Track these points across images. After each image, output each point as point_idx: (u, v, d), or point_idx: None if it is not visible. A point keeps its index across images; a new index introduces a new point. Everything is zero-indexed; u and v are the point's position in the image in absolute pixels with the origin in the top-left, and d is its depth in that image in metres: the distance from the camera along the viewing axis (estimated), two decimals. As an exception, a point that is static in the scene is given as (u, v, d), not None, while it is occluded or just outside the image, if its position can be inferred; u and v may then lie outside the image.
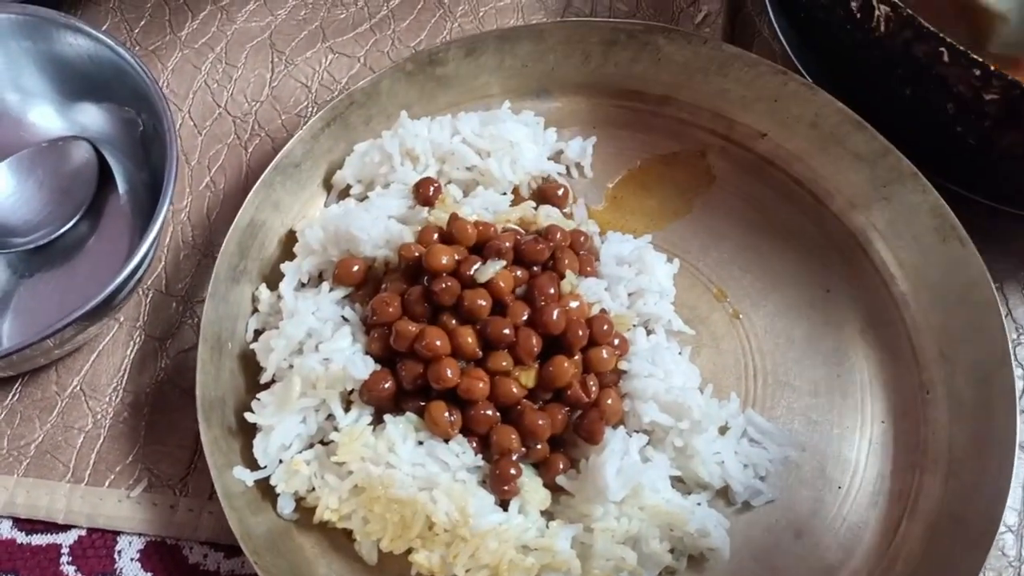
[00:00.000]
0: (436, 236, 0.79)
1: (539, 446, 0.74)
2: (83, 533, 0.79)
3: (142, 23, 1.00)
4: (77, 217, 0.86)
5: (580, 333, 0.75)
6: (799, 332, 0.84)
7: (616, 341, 0.78)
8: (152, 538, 0.78)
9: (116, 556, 0.78)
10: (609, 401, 0.75)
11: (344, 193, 0.88)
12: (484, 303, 0.75)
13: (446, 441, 0.74)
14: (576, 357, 0.76)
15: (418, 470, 0.73)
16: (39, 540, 0.78)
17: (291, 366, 0.76)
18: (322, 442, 0.77)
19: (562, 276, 0.79)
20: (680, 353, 0.81)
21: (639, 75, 0.92)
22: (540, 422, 0.73)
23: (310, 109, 0.96)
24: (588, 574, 0.71)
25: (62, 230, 0.85)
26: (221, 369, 0.78)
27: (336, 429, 0.75)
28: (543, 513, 0.74)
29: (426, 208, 0.83)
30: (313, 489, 0.75)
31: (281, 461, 0.75)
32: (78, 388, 0.83)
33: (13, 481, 0.80)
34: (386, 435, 0.74)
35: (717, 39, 0.93)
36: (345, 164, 0.87)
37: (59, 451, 0.81)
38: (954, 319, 0.81)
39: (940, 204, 0.82)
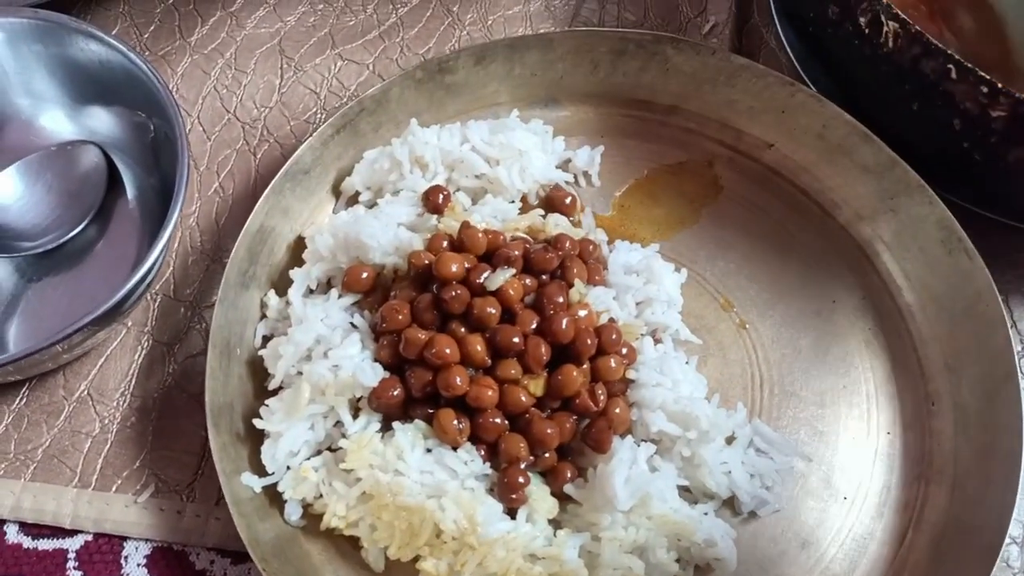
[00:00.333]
0: (446, 244, 0.80)
1: (547, 455, 0.74)
2: (89, 538, 0.79)
3: (152, 28, 1.00)
4: (86, 222, 0.86)
5: (589, 342, 0.76)
6: (805, 342, 0.84)
7: (624, 350, 0.78)
8: (159, 544, 0.78)
9: (123, 561, 0.78)
10: (617, 410, 0.75)
11: (353, 200, 0.88)
12: (494, 311, 0.75)
13: (454, 449, 0.74)
14: (584, 366, 0.76)
15: (426, 478, 0.73)
16: (45, 545, 0.78)
17: (300, 373, 0.77)
18: (330, 449, 0.77)
19: (571, 285, 0.79)
20: (687, 362, 0.81)
21: (647, 85, 0.93)
22: (548, 431, 0.74)
23: (319, 115, 0.96)
24: (595, 583, 0.72)
25: (71, 234, 0.85)
26: (230, 375, 0.78)
27: (344, 436, 0.75)
28: (551, 522, 0.74)
29: (435, 216, 0.83)
30: (321, 496, 0.75)
31: (289, 468, 0.75)
32: (85, 393, 0.83)
33: (20, 485, 0.80)
34: (395, 442, 0.74)
35: (725, 50, 0.94)
36: (354, 171, 0.87)
37: (66, 456, 0.81)
38: (960, 331, 0.82)
39: (947, 216, 0.83)
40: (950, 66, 0.76)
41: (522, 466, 0.73)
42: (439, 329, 0.77)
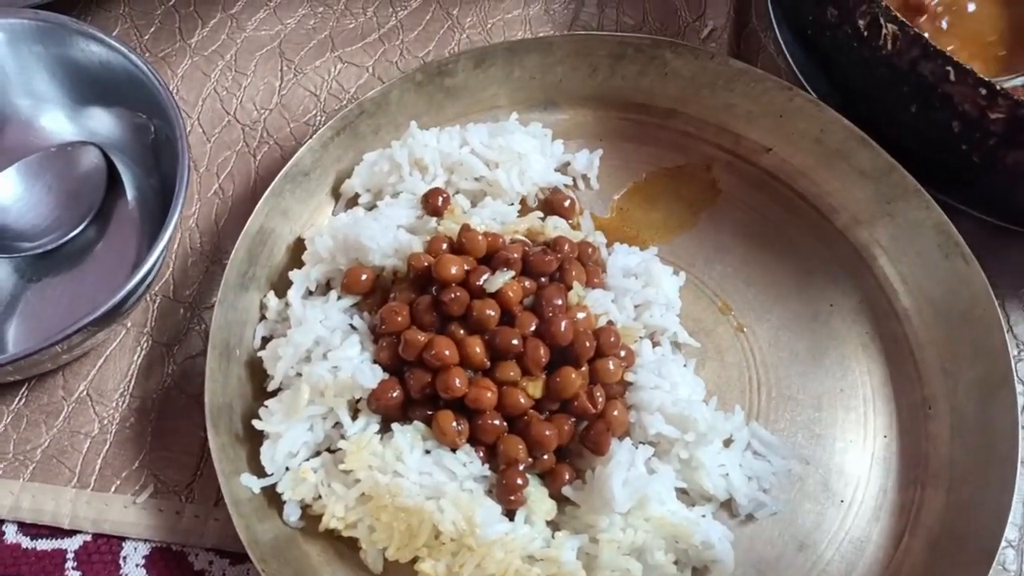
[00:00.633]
0: (445, 246, 0.80)
1: (545, 456, 0.75)
2: (88, 538, 0.79)
3: (152, 30, 1.00)
4: (86, 222, 0.86)
5: (587, 344, 0.76)
6: (803, 346, 0.85)
7: (622, 353, 0.78)
8: (157, 544, 0.78)
9: (121, 562, 0.78)
10: (615, 412, 0.75)
11: (353, 202, 0.88)
12: (493, 313, 0.76)
13: (453, 450, 0.74)
14: (583, 368, 0.76)
15: (425, 479, 0.73)
16: (44, 545, 0.78)
17: (299, 374, 0.77)
18: (329, 450, 0.77)
19: (569, 287, 0.79)
20: (685, 365, 0.81)
21: (646, 89, 0.93)
22: (547, 432, 0.74)
23: (319, 118, 0.96)
24: (593, 585, 0.72)
25: (70, 235, 0.86)
26: (229, 376, 0.79)
27: (343, 437, 0.75)
28: (549, 523, 0.74)
29: (435, 218, 0.84)
30: (320, 497, 0.75)
31: (288, 469, 0.76)
32: (85, 393, 0.83)
33: (19, 485, 0.80)
34: (393, 444, 0.74)
35: (723, 54, 0.94)
36: (354, 173, 0.88)
37: (65, 456, 0.81)
38: (956, 335, 0.82)
39: (944, 221, 0.83)
40: (948, 68, 0.76)
41: (520, 468, 0.74)
42: (438, 331, 0.77)
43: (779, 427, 0.82)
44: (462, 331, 0.76)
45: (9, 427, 0.82)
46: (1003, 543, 0.73)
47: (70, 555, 0.78)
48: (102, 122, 0.89)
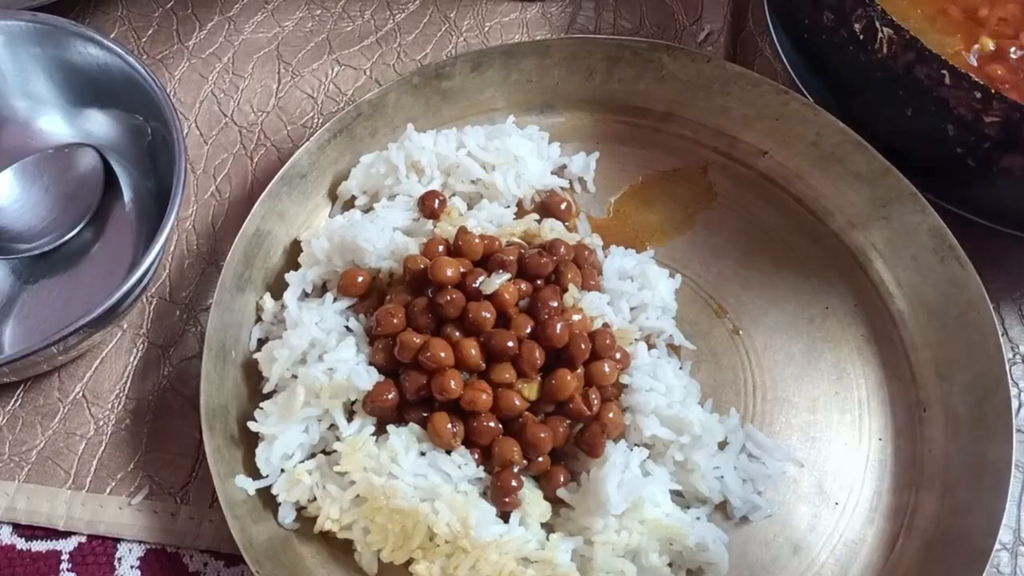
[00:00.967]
0: (442, 248, 0.80)
1: (540, 459, 0.75)
2: (83, 540, 0.79)
3: (150, 32, 1.00)
4: (82, 224, 0.86)
5: (583, 346, 0.76)
6: (798, 348, 0.85)
7: (618, 355, 0.78)
8: (152, 546, 0.78)
9: (116, 563, 0.78)
10: (610, 415, 0.76)
11: (349, 204, 0.88)
12: (488, 315, 0.76)
13: (448, 452, 0.74)
14: (578, 370, 0.76)
15: (420, 481, 0.73)
16: (39, 546, 0.79)
17: (294, 376, 0.77)
18: (324, 452, 0.77)
19: (565, 290, 0.79)
20: (681, 368, 0.82)
21: (642, 92, 0.93)
22: (542, 435, 0.74)
23: (316, 120, 0.96)
24: (588, 587, 0.72)
25: (67, 237, 0.86)
26: (224, 378, 0.79)
27: (339, 439, 0.75)
28: (544, 525, 0.74)
29: (431, 220, 0.84)
30: (315, 499, 0.75)
31: (283, 470, 0.76)
32: (80, 395, 0.83)
33: (14, 487, 0.80)
34: (388, 446, 0.74)
35: (720, 58, 0.94)
36: (351, 175, 0.88)
37: (60, 457, 0.81)
38: (951, 338, 0.82)
39: (939, 225, 0.83)
40: (944, 72, 0.76)
41: (515, 470, 0.74)
42: (434, 333, 0.77)
43: (774, 430, 0.82)
44: (458, 333, 0.76)
45: (5, 428, 0.82)
46: (997, 545, 0.73)
47: (65, 556, 0.78)
48: (99, 124, 0.89)
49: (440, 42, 1.01)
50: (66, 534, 0.79)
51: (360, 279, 0.80)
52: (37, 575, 0.77)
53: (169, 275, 0.88)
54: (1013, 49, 0.83)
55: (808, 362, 0.84)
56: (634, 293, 0.82)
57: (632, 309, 0.83)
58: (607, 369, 0.77)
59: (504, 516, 0.74)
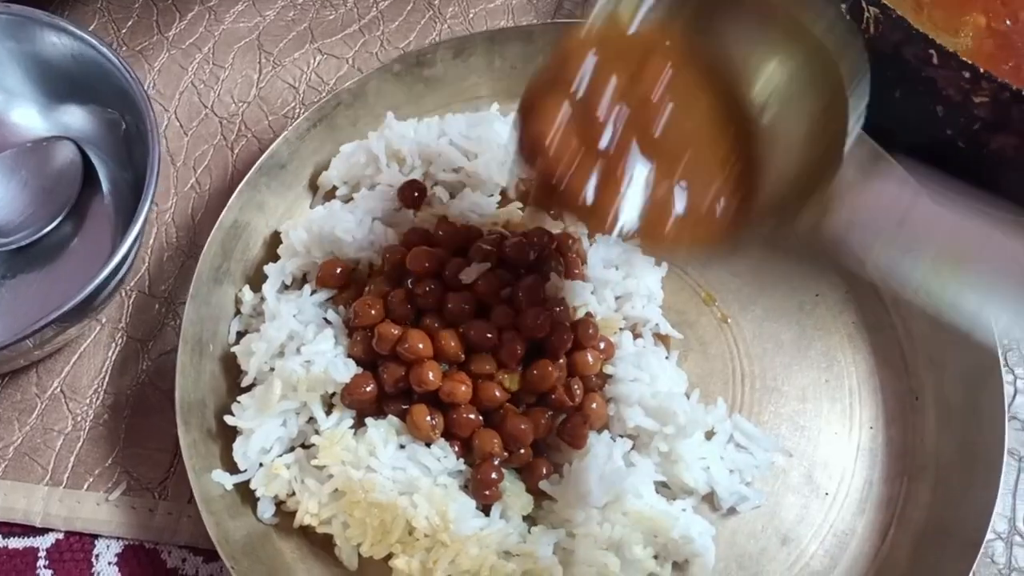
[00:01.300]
0: (421, 238, 0.79)
1: (522, 451, 0.73)
2: (60, 536, 0.78)
3: (129, 23, 0.99)
4: (60, 218, 0.85)
5: (564, 337, 0.75)
6: (788, 336, 0.83)
7: (602, 345, 0.77)
8: (130, 542, 0.77)
9: (94, 560, 0.77)
10: (593, 405, 0.74)
11: (330, 194, 0.87)
12: (467, 306, 0.75)
13: (428, 445, 0.73)
14: (560, 361, 0.75)
15: (399, 474, 0.72)
16: (16, 543, 0.78)
17: (272, 369, 0.76)
18: (303, 445, 0.76)
19: (547, 279, 0.78)
20: (667, 357, 0.80)
21: (628, 77, 0.92)
22: (523, 426, 0.73)
23: (297, 110, 0.95)
24: (570, 580, 0.71)
25: (45, 230, 0.84)
26: (202, 371, 0.77)
27: (317, 432, 0.74)
28: (525, 518, 0.73)
29: (412, 210, 0.82)
30: (293, 493, 0.74)
31: (261, 465, 0.75)
32: (58, 390, 0.82)
33: (-9, 484, 0.79)
34: (367, 439, 0.73)
35: (707, 41, 0.93)
36: (331, 165, 0.86)
37: (38, 453, 0.80)
38: (943, 325, 0.80)
39: (930, 208, 0.81)
40: (931, 51, 0.75)
41: (496, 462, 0.72)
42: (413, 324, 0.76)
43: (763, 419, 0.80)
44: (437, 324, 0.75)
45: (-18, 425, 0.81)
46: (991, 535, 0.72)
47: (42, 553, 0.77)
48: (75, 117, 0.88)
49: (424, 29, 0.99)
50: (43, 531, 0.78)
51: (339, 270, 0.79)
52: (14, 572, 0.77)
53: (148, 268, 0.87)
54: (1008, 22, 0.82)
55: (798, 350, 0.83)
56: (619, 282, 0.81)
57: (617, 298, 0.81)
58: (590, 359, 0.75)
59: (485, 509, 0.72)
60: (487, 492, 0.72)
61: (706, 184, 0.61)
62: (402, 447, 0.73)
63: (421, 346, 0.73)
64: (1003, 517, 0.78)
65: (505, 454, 0.73)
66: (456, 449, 0.73)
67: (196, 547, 0.77)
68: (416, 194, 0.82)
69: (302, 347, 0.75)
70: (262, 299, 0.80)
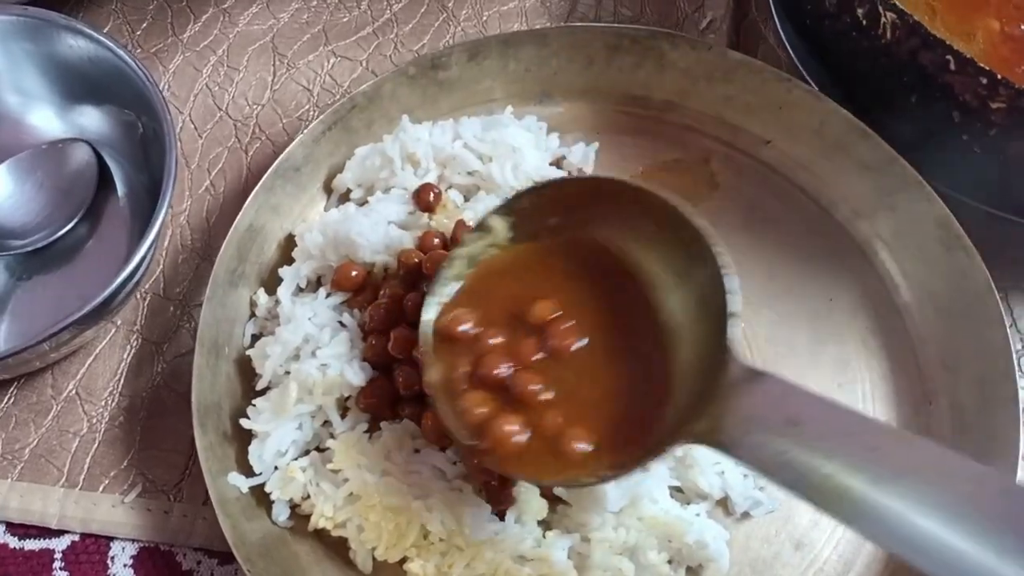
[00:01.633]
0: (437, 242, 0.79)
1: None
2: (76, 538, 0.78)
3: (144, 25, 0.99)
4: (76, 220, 0.86)
5: (579, 341, 0.75)
6: (801, 341, 0.83)
7: (617, 349, 0.77)
8: (145, 544, 0.78)
9: (109, 562, 0.77)
10: (609, 410, 0.74)
11: (345, 197, 0.87)
12: (483, 310, 0.74)
13: (443, 449, 0.73)
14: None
15: (414, 478, 0.72)
16: (32, 545, 0.78)
17: (287, 372, 0.76)
18: (318, 449, 0.76)
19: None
20: (682, 361, 0.80)
21: (643, 81, 0.92)
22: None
23: (311, 112, 0.95)
24: (585, 585, 0.71)
25: (61, 232, 0.85)
26: (217, 374, 0.78)
27: (332, 436, 0.74)
28: (540, 523, 0.73)
29: (427, 214, 0.83)
30: (308, 496, 0.74)
31: (277, 468, 0.75)
32: (74, 392, 0.83)
33: (7, 485, 0.79)
34: (382, 443, 0.73)
35: (722, 45, 0.93)
36: (346, 168, 0.86)
37: (54, 455, 0.80)
38: (958, 330, 0.80)
39: (945, 214, 0.81)
40: (948, 57, 0.75)
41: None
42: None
43: (777, 424, 0.80)
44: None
45: (-2, 426, 0.82)
46: (1005, 542, 0.71)
47: (58, 555, 0.77)
48: (92, 119, 0.88)
49: (438, 32, 1.00)
50: (59, 533, 0.78)
51: (354, 273, 0.79)
52: (30, 574, 0.77)
53: (163, 271, 0.87)
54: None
55: (811, 355, 0.83)
56: (634, 286, 0.81)
57: (631, 301, 0.81)
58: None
59: (500, 514, 0.72)
60: (501, 497, 0.72)
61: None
62: (417, 451, 0.73)
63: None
64: (1017, 523, 0.78)
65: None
66: (471, 453, 0.73)
67: (211, 549, 0.77)
68: (431, 197, 0.82)
69: (317, 350, 0.75)
70: (277, 302, 0.80)
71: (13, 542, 0.78)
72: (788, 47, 0.92)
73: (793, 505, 0.77)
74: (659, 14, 1.00)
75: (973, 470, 0.53)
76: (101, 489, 0.79)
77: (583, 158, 0.90)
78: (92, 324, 0.77)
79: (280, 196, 0.84)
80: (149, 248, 0.76)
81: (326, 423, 0.75)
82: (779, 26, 0.93)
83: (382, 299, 0.77)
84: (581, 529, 0.72)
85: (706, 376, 0.61)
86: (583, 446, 0.63)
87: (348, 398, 0.75)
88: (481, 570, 0.69)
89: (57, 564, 0.77)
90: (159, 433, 0.81)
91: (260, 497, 0.75)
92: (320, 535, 0.75)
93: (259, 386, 0.77)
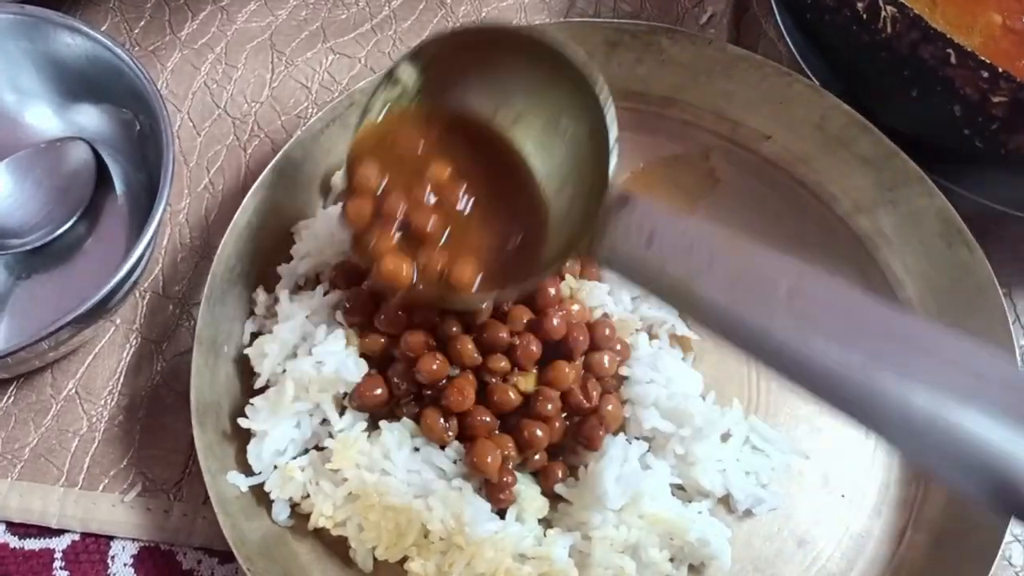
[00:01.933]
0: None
1: (537, 456, 0.73)
2: (76, 538, 0.78)
3: (142, 23, 0.99)
4: (75, 218, 0.85)
5: (581, 338, 0.74)
6: (803, 337, 0.83)
7: (618, 346, 0.77)
8: (145, 543, 0.78)
9: (109, 561, 0.77)
10: (609, 407, 0.74)
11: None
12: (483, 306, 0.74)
13: (442, 447, 0.73)
14: (577, 362, 0.75)
15: (413, 477, 0.72)
16: (32, 545, 0.78)
17: (285, 371, 0.76)
18: (317, 447, 0.76)
19: (562, 279, 0.78)
20: (683, 359, 0.80)
21: (643, 76, 0.91)
22: (538, 433, 0.72)
23: (310, 110, 0.95)
24: (586, 583, 0.70)
25: (59, 231, 0.84)
26: (216, 373, 0.77)
27: (331, 435, 0.74)
28: (541, 521, 0.73)
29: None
30: (308, 495, 0.74)
31: (276, 466, 0.74)
32: (73, 391, 0.82)
33: (7, 485, 0.79)
34: (381, 441, 0.73)
35: (722, 40, 0.92)
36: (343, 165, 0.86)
37: (53, 455, 0.80)
38: (961, 325, 0.80)
39: (947, 208, 0.81)
40: (949, 51, 0.74)
41: (509, 466, 0.72)
42: (427, 326, 0.75)
43: (779, 420, 0.80)
44: (454, 327, 0.74)
45: (-2, 426, 0.81)
46: (1010, 537, 0.71)
47: (58, 555, 0.77)
48: (89, 117, 0.88)
49: (437, 29, 0.99)
50: (59, 532, 0.78)
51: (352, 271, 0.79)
52: (31, 573, 0.77)
53: (162, 269, 0.87)
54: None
55: (814, 351, 0.82)
56: (635, 282, 0.81)
57: (633, 299, 0.81)
58: (606, 361, 0.75)
59: (500, 512, 0.72)
60: (501, 496, 0.72)
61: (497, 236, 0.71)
62: (416, 450, 0.73)
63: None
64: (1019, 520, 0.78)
65: (519, 459, 0.73)
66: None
67: (211, 548, 0.77)
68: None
69: (314, 348, 0.75)
70: (276, 300, 0.80)
71: (13, 541, 0.78)
72: (789, 42, 0.91)
73: (795, 503, 0.77)
74: (659, 9, 1.00)
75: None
76: (101, 488, 0.79)
77: (583, 154, 0.89)
78: (91, 323, 0.77)
79: (279, 194, 0.84)
80: (147, 246, 0.75)
81: (325, 421, 0.75)
82: (780, 20, 0.92)
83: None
84: (582, 527, 0.72)
85: (589, 200, 0.67)
86: (469, 274, 0.69)
87: (346, 395, 0.75)
88: (481, 569, 0.69)
89: (57, 563, 0.77)
90: (159, 432, 0.81)
91: (260, 496, 0.75)
92: (320, 534, 0.75)
93: (257, 384, 0.77)
